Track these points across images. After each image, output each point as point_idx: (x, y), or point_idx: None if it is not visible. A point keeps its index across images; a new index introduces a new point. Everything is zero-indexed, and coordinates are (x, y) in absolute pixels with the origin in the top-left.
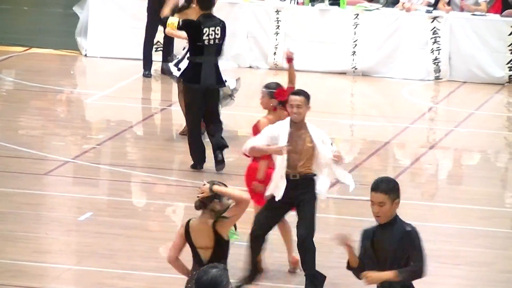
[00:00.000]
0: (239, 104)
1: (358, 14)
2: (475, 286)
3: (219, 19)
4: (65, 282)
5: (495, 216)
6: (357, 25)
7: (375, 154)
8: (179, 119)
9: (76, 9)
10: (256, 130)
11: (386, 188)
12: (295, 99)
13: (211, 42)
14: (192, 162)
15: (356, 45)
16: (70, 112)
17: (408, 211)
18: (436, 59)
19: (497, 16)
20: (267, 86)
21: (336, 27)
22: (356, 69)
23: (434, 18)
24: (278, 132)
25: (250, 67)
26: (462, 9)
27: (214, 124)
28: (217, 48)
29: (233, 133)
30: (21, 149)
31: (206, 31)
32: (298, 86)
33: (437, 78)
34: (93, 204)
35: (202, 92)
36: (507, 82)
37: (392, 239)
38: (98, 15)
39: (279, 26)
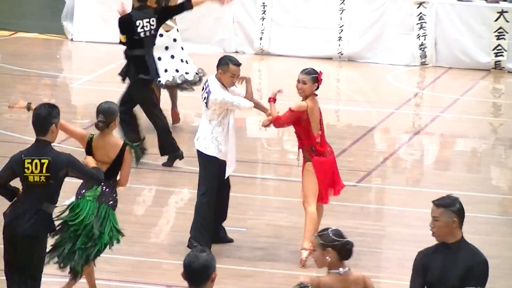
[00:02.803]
0: None
1: None
2: None
3: (154, 9)
4: (49, 267)
5: (479, 201)
6: (343, 10)
7: (361, 139)
8: (163, 103)
9: None
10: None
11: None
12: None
13: (147, 34)
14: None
15: (342, 30)
16: (56, 97)
17: (392, 196)
18: (421, 44)
19: (483, 2)
20: (308, 72)
21: (322, 12)
22: (342, 54)
23: (420, 3)
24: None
25: (236, 52)
26: None
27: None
28: (153, 40)
29: None
30: (5, 133)
31: (139, 24)
32: (283, 70)
33: (422, 63)
34: None
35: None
36: (492, 68)
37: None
38: (84, 0)
39: (265, 11)
